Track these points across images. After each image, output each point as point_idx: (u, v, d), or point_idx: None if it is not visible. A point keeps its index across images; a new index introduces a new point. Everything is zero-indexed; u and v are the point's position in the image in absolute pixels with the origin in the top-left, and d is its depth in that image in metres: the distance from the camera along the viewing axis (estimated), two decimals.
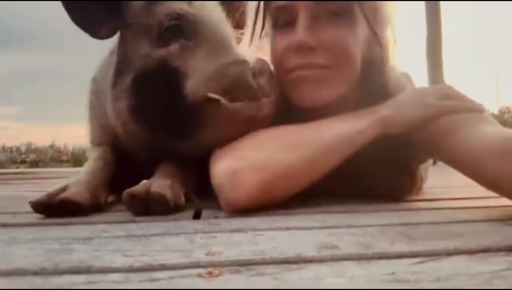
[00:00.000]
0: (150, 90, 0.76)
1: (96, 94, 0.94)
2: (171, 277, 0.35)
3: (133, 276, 0.35)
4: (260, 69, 0.72)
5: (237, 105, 0.70)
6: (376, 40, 0.76)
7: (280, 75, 0.77)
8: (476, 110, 0.71)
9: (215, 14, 0.81)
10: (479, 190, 0.71)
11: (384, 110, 0.72)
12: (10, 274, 0.37)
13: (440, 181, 0.92)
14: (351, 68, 0.75)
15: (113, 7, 0.80)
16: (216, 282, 0.34)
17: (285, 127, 0.73)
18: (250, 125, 0.72)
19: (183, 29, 0.76)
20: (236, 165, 0.67)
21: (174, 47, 0.75)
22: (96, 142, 0.93)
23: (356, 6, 0.73)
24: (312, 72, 0.74)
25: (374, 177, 0.78)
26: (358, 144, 0.70)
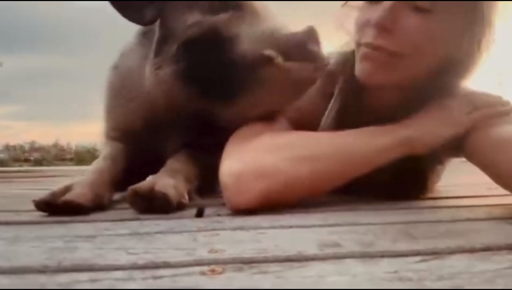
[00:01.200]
0: (200, 54, 0.76)
1: (118, 80, 0.93)
2: (174, 275, 0.35)
3: (136, 273, 0.36)
4: (313, 35, 0.72)
5: (292, 64, 0.70)
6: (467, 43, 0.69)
7: (355, 44, 0.75)
8: (504, 114, 0.70)
9: None
10: (481, 188, 0.71)
11: (410, 131, 0.69)
12: (13, 272, 0.37)
13: (442, 179, 0.92)
14: (420, 63, 0.71)
15: None
16: (219, 280, 0.34)
17: (303, 134, 0.72)
18: (301, 87, 0.74)
19: (230, 4, 0.77)
20: (242, 168, 0.66)
21: (223, 16, 0.77)
22: (109, 136, 0.93)
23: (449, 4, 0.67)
24: (377, 54, 0.70)
25: (384, 177, 0.77)
26: (376, 164, 0.68)
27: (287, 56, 0.71)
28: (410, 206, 0.74)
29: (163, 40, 0.81)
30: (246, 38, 0.74)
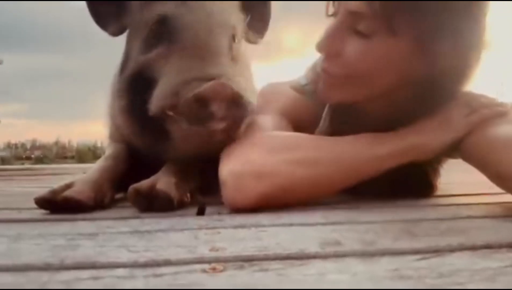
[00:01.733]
0: (134, 93, 0.76)
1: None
2: (176, 273, 0.35)
3: (138, 271, 0.36)
4: (209, 94, 0.65)
5: (190, 128, 0.67)
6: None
7: None
8: (501, 113, 0.70)
9: (206, 18, 0.74)
10: (482, 186, 0.71)
11: (411, 138, 0.69)
12: (16, 270, 0.37)
13: (443, 177, 0.92)
14: (370, 84, 0.71)
15: (121, 4, 0.80)
16: (220, 278, 0.34)
17: (304, 138, 0.71)
18: (207, 147, 0.70)
19: (167, 33, 0.73)
20: (242, 168, 0.66)
21: (153, 54, 0.74)
22: (113, 137, 0.94)
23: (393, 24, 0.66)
24: (326, 76, 0.73)
25: (387, 176, 0.77)
26: (377, 170, 0.68)
27: (189, 117, 0.67)
28: (411, 204, 0.74)
29: (122, 70, 0.81)
30: (159, 89, 0.70)
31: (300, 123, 0.81)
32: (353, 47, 0.69)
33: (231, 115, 0.67)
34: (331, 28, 0.70)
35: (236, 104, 0.67)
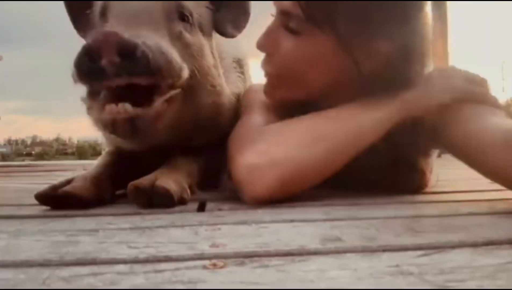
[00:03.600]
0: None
1: None
2: (176, 269, 0.35)
3: (138, 267, 0.36)
4: (98, 45, 0.57)
5: (89, 103, 0.65)
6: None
7: None
8: (497, 106, 0.71)
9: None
10: (483, 183, 0.71)
11: (409, 93, 0.70)
12: (16, 266, 0.37)
13: (444, 174, 0.92)
14: (307, 82, 0.74)
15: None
16: (221, 274, 0.34)
17: (308, 118, 0.72)
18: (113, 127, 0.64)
19: (106, 15, 0.72)
20: (256, 160, 0.67)
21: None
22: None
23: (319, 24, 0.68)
24: (268, 77, 0.78)
25: (378, 169, 0.78)
26: (381, 133, 0.70)
27: (81, 79, 0.61)
28: (412, 200, 0.74)
29: None
30: None
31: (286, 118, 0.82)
32: (285, 45, 0.72)
33: (128, 71, 0.58)
34: (268, 27, 0.74)
35: (133, 57, 0.58)
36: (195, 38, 0.78)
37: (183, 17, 0.76)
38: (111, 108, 0.61)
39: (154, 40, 0.63)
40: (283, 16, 0.72)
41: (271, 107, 0.81)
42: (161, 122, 0.68)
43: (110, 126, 0.63)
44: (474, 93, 0.71)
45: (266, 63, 0.77)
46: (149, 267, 0.36)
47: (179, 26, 0.75)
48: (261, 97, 0.82)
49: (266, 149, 0.68)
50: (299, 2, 0.68)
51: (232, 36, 0.88)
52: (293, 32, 0.71)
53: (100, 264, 0.37)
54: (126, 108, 0.60)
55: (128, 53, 0.58)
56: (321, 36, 0.69)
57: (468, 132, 0.68)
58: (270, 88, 0.79)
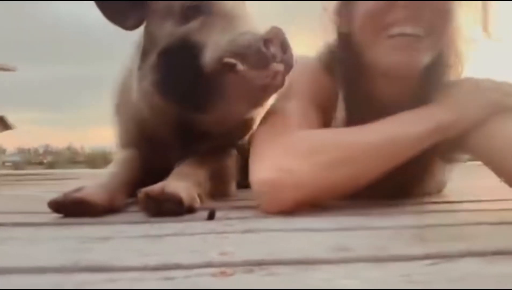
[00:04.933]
0: (173, 64, 0.79)
1: (120, 92, 0.97)
2: (186, 276, 0.36)
3: (149, 274, 0.36)
4: (272, 37, 0.70)
5: (251, 72, 0.70)
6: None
7: (372, 39, 0.72)
8: None
9: None
10: (492, 192, 0.71)
11: (444, 115, 0.68)
12: (31, 272, 0.38)
13: (454, 183, 0.91)
14: (442, 41, 0.71)
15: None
16: (229, 282, 0.34)
17: (336, 133, 0.71)
18: (264, 94, 0.74)
19: (202, 8, 0.79)
20: (279, 178, 0.66)
21: (194, 23, 0.78)
22: (122, 143, 0.96)
23: None
24: (411, 40, 0.69)
25: (403, 175, 0.74)
26: (411, 155, 0.68)
27: (248, 62, 0.70)
28: (422, 209, 0.74)
29: (147, 50, 0.83)
30: (210, 46, 0.75)
31: (325, 103, 0.80)
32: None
33: (286, 59, 0.71)
34: None
35: (286, 50, 0.71)
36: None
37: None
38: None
39: None
40: None
41: (312, 93, 0.78)
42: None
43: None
44: (508, 107, 0.69)
45: (413, 25, 0.68)
46: (159, 274, 0.36)
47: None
48: (303, 79, 0.78)
49: (288, 166, 0.66)
50: None
51: None
52: None
53: (112, 271, 0.37)
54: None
55: (286, 48, 0.71)
56: None
57: (493, 138, 0.67)
58: (411, 53, 0.69)
